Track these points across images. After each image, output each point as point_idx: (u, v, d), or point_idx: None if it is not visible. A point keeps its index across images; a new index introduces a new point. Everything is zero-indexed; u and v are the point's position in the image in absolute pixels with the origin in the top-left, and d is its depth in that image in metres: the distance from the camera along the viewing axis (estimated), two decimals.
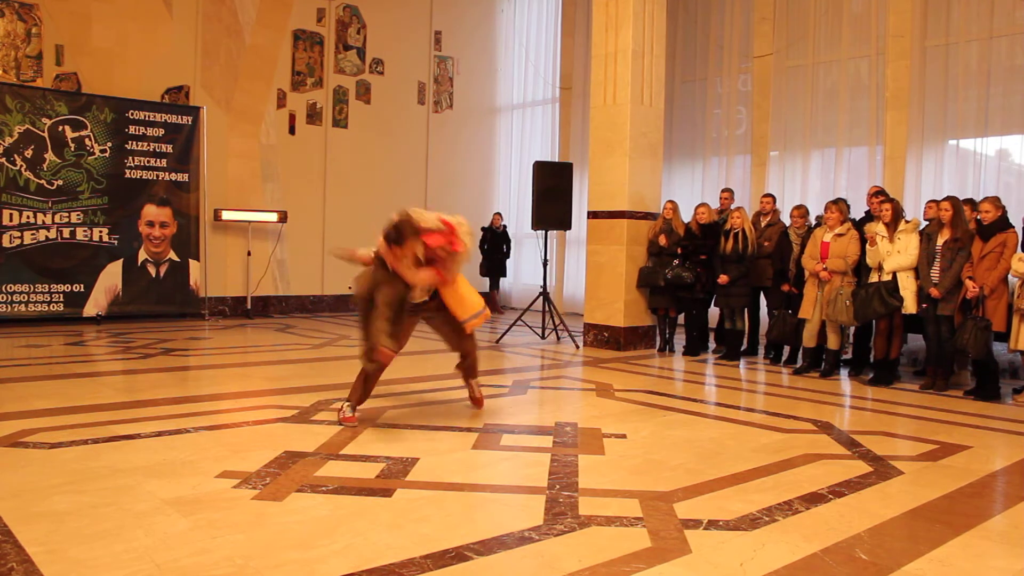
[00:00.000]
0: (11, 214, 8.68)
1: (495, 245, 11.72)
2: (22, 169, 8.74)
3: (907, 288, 6.29)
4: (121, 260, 9.36)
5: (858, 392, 6.24)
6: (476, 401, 5.03)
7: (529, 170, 9.57)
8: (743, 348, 7.78)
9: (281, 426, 4.47)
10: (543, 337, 8.97)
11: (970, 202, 6.52)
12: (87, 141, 9.11)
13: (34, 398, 5.01)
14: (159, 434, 4.18)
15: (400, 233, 4.40)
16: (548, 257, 9.26)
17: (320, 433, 4.28)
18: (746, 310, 7.69)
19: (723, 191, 8.38)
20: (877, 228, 6.48)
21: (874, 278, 6.45)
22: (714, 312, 8.07)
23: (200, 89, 10.18)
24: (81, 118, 9.07)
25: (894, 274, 6.34)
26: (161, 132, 9.58)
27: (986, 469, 4.04)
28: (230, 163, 10.44)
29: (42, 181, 8.85)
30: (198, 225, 9.91)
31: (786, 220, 7.58)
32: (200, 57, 10.18)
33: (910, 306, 6.29)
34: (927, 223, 6.51)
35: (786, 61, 9.71)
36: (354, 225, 11.46)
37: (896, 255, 6.33)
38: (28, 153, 8.76)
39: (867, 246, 6.48)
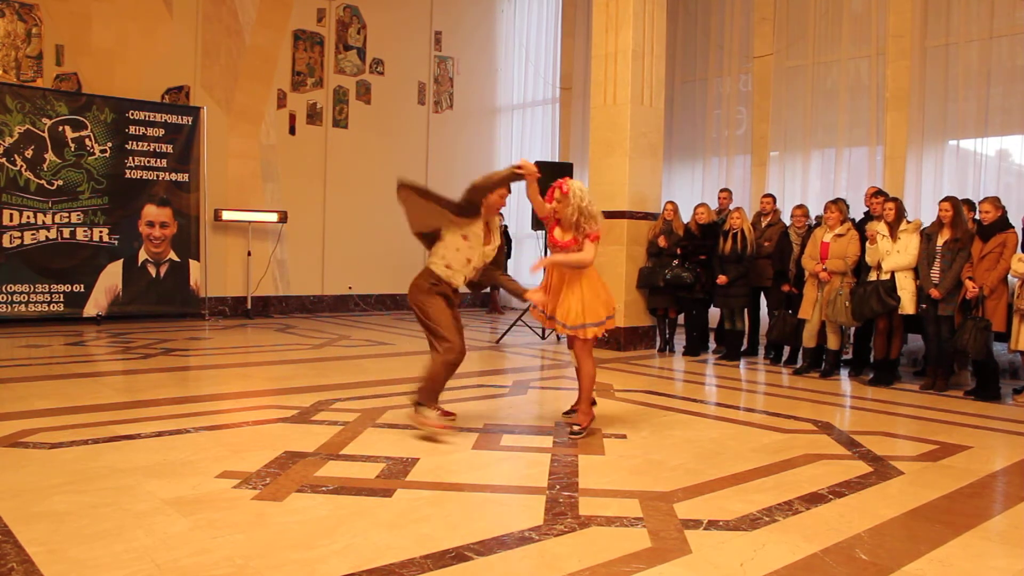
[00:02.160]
0: (11, 214, 8.68)
1: None
2: (22, 169, 8.74)
3: (905, 288, 6.29)
4: (121, 260, 9.36)
5: (858, 392, 6.24)
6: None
7: None
8: (743, 348, 7.78)
9: (281, 426, 4.47)
10: (543, 337, 8.97)
11: (968, 203, 6.52)
12: (87, 141, 9.11)
13: (34, 398, 5.01)
14: (159, 434, 4.18)
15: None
16: None
17: (320, 433, 4.28)
18: (746, 310, 7.69)
19: (721, 191, 8.38)
20: (879, 227, 6.48)
21: (873, 277, 6.45)
22: (714, 312, 8.07)
23: (200, 89, 10.18)
24: (81, 118, 9.07)
25: (892, 273, 6.34)
26: (161, 132, 9.58)
27: (986, 469, 4.04)
28: (230, 163, 10.44)
29: (42, 181, 8.85)
30: (198, 225, 9.91)
31: (786, 220, 7.58)
32: (200, 57, 10.18)
33: (908, 306, 6.28)
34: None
35: (786, 61, 9.71)
36: (354, 225, 11.49)
37: (895, 254, 6.33)
38: (28, 153, 8.76)
39: (867, 244, 6.48)
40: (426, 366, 4.33)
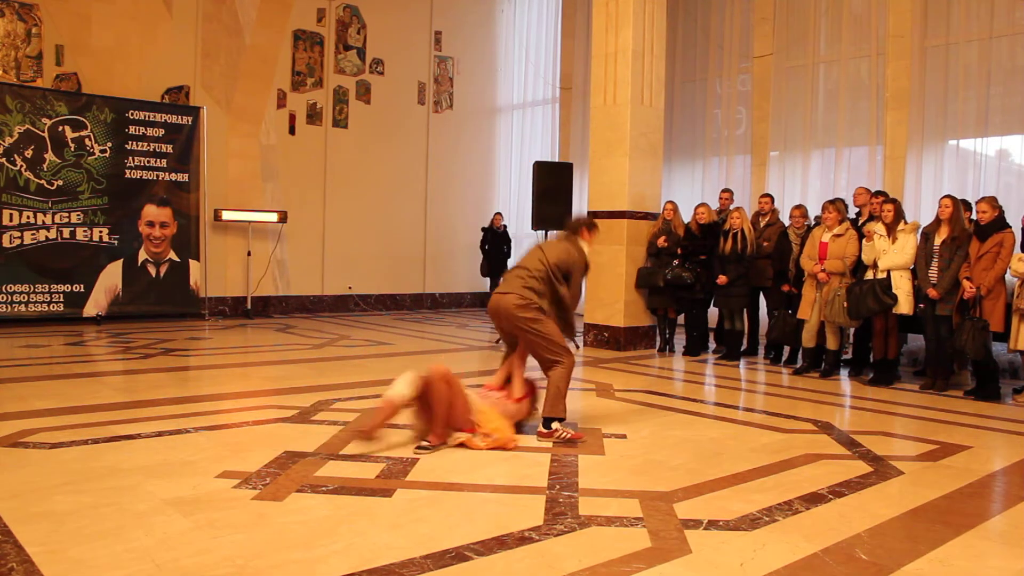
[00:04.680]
0: (11, 214, 8.68)
1: (495, 245, 11.72)
2: (22, 169, 8.73)
3: (901, 288, 6.28)
4: (121, 260, 9.35)
5: (858, 392, 6.24)
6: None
7: (529, 170, 9.57)
8: (743, 348, 7.78)
9: (281, 426, 4.47)
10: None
11: (965, 203, 6.52)
12: (87, 141, 9.11)
13: (34, 398, 5.01)
14: (159, 434, 4.18)
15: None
16: None
17: (320, 433, 4.28)
18: (746, 310, 7.69)
19: (722, 191, 8.39)
20: (876, 227, 6.48)
21: (869, 275, 6.44)
22: (714, 312, 8.07)
23: (200, 89, 10.18)
24: (81, 118, 9.07)
25: (889, 272, 6.34)
26: (161, 132, 9.57)
27: (986, 469, 4.04)
28: (230, 163, 10.44)
29: (42, 181, 8.84)
30: (198, 225, 9.91)
31: (786, 220, 7.58)
32: (200, 57, 10.18)
33: (903, 306, 6.28)
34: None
35: (786, 61, 9.71)
36: (354, 225, 11.49)
37: (892, 253, 6.32)
38: (28, 153, 8.75)
39: (864, 242, 6.47)
40: (551, 383, 4.38)
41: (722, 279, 7.39)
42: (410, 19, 12.11)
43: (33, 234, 8.82)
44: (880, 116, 8.79)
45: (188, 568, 2.51)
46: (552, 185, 8.81)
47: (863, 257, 6.51)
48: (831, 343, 6.81)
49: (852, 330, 7.02)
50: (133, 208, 9.42)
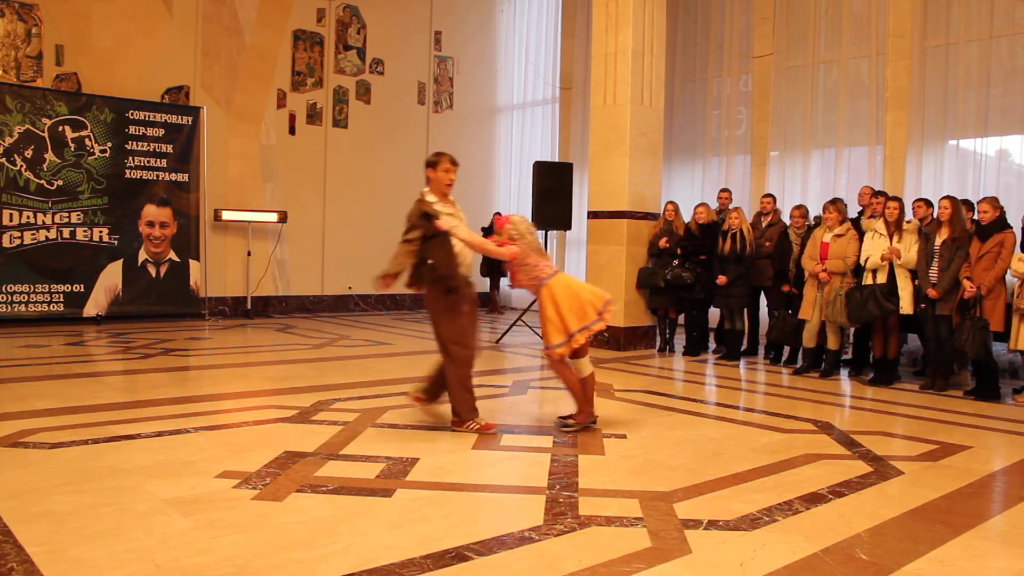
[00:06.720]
0: (11, 214, 8.68)
1: None
2: (22, 169, 8.73)
3: (904, 288, 6.28)
4: (121, 260, 9.35)
5: (858, 392, 6.24)
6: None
7: (529, 170, 9.56)
8: (743, 348, 7.78)
9: (281, 426, 4.47)
10: (543, 337, 8.96)
11: (967, 203, 6.52)
12: (87, 141, 9.11)
13: (34, 398, 5.01)
14: (159, 434, 4.18)
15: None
16: None
17: (320, 433, 4.29)
18: (746, 310, 7.69)
19: (721, 191, 8.38)
20: (876, 225, 6.49)
21: (868, 279, 6.44)
22: (714, 312, 8.07)
23: (200, 89, 10.18)
24: (81, 118, 9.07)
25: (890, 276, 6.33)
26: (161, 132, 9.57)
27: (986, 469, 4.04)
28: (230, 163, 10.43)
29: (42, 181, 8.84)
30: (198, 225, 9.91)
31: (786, 220, 7.58)
32: (200, 57, 10.18)
33: (907, 307, 6.28)
34: (919, 221, 6.52)
35: (786, 61, 9.71)
36: (354, 225, 11.49)
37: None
38: (28, 153, 8.75)
39: (868, 261, 6.45)
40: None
41: (722, 279, 7.39)
42: (410, 19, 12.11)
43: (33, 234, 8.82)
44: (880, 116, 8.79)
45: (188, 568, 2.51)
46: (552, 185, 8.81)
47: (860, 260, 6.51)
48: (832, 343, 6.81)
49: (852, 330, 7.02)
50: (133, 208, 9.42)
